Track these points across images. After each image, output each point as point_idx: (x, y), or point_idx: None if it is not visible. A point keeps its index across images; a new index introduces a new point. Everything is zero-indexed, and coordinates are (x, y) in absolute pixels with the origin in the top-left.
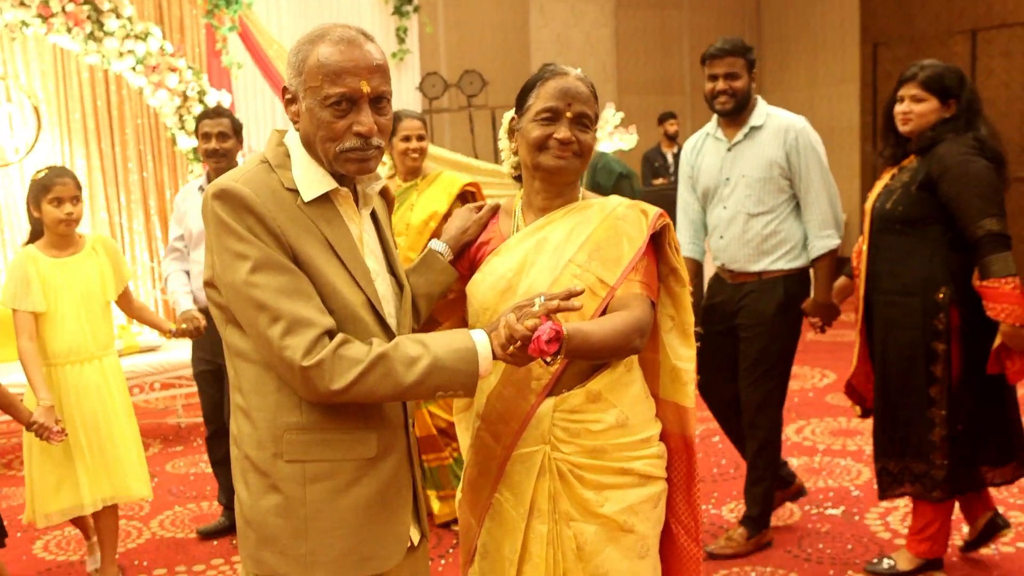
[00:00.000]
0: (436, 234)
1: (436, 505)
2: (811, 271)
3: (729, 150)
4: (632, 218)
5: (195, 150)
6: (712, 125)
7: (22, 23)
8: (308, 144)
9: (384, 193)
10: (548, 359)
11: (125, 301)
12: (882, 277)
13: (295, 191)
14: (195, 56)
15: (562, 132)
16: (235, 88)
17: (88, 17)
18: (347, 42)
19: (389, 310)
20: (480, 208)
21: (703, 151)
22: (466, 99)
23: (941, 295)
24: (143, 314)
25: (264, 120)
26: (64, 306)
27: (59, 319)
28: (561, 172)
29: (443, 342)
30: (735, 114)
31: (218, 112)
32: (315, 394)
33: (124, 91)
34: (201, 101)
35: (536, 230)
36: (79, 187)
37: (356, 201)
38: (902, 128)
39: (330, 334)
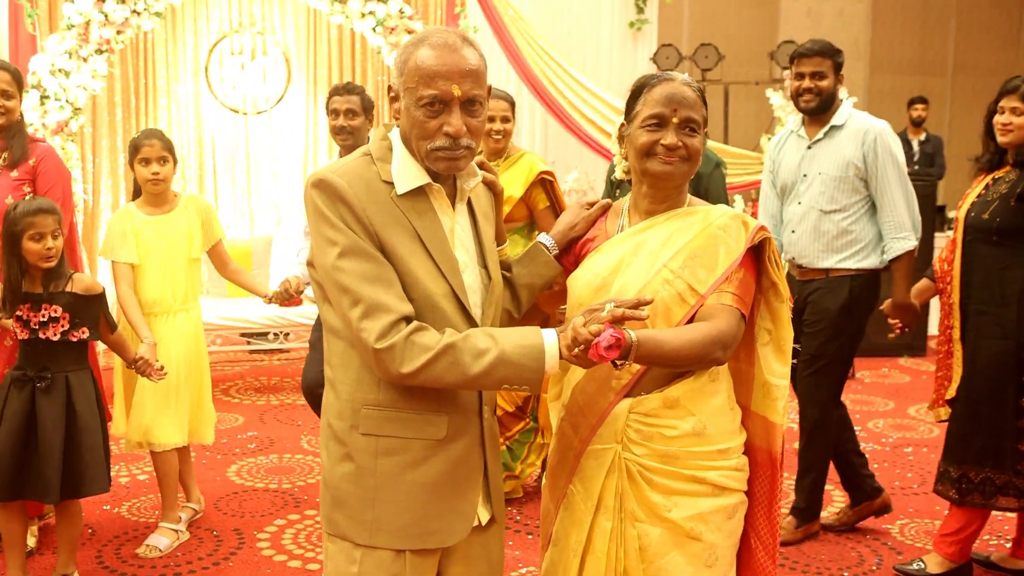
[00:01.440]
0: (510, 218)
1: None
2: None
3: (809, 147)
4: (732, 229)
5: None
6: (797, 122)
7: None
8: (406, 141)
9: (491, 186)
10: (616, 364)
11: (220, 262)
12: (975, 287)
13: (391, 184)
14: (436, 19)
15: (669, 138)
16: None
17: None
18: (444, 47)
19: (475, 300)
20: (592, 205)
21: (785, 147)
22: (700, 73)
23: None
24: (239, 277)
25: (498, 84)
26: (152, 261)
27: (147, 272)
28: (668, 177)
29: (513, 338)
30: (818, 113)
31: (348, 89)
32: (387, 375)
33: (366, 50)
34: None
35: (637, 232)
36: (167, 148)
37: (452, 195)
38: (1001, 139)
39: (407, 320)
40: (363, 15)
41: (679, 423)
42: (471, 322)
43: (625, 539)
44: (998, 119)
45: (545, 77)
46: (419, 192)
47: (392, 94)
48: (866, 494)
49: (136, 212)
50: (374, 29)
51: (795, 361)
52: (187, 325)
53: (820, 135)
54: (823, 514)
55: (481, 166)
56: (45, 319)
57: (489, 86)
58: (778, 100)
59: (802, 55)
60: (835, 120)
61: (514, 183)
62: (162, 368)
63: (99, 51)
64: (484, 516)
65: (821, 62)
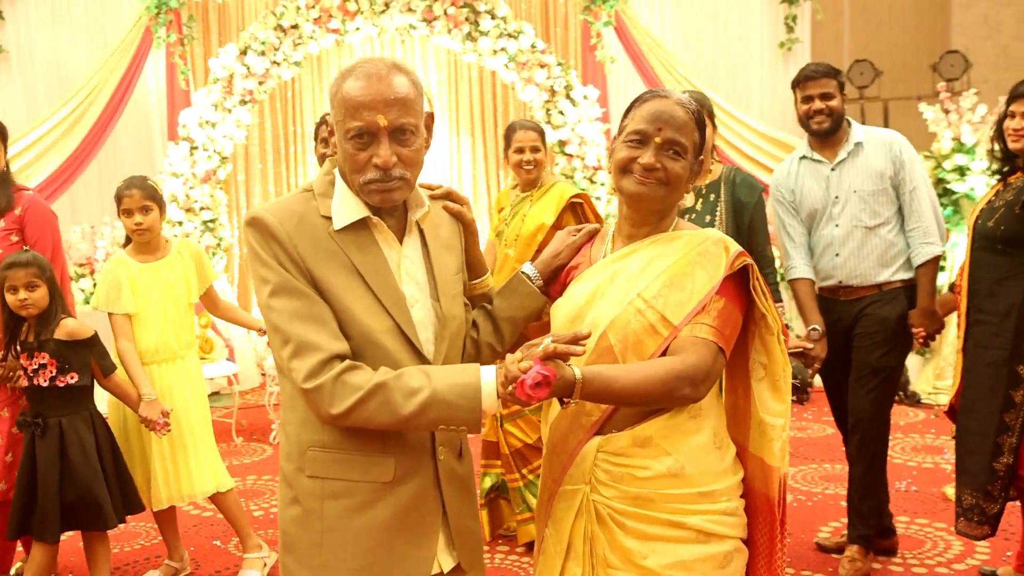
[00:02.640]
0: (544, 246)
1: (514, 526)
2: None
3: (833, 170)
4: (713, 255)
5: (560, 143)
6: (805, 148)
7: (409, 26)
8: (343, 175)
9: (459, 217)
10: (563, 402)
11: (211, 303)
12: (980, 296)
13: (330, 219)
14: (573, 53)
15: (646, 157)
16: (609, 82)
17: (466, 19)
18: (368, 77)
19: (426, 336)
20: (579, 231)
21: (801, 174)
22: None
23: None
24: (231, 313)
25: None
26: (151, 308)
27: (147, 320)
28: (641, 199)
29: (448, 376)
30: (831, 134)
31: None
32: (318, 416)
33: (507, 88)
34: (568, 96)
35: (617, 259)
36: (149, 197)
37: (402, 228)
38: (1013, 145)
39: (340, 358)
40: (495, 52)
41: (652, 463)
42: (421, 358)
43: None
44: (1009, 124)
45: None
46: (360, 227)
47: (328, 129)
48: (881, 531)
49: (129, 261)
50: (506, 65)
51: (804, 383)
52: (192, 370)
53: (843, 155)
54: (823, 533)
55: (448, 196)
56: (36, 366)
57: (429, 113)
58: (931, 114)
59: (808, 78)
60: (855, 137)
61: (545, 211)
62: (167, 424)
63: (243, 102)
64: (447, 564)
65: (827, 82)
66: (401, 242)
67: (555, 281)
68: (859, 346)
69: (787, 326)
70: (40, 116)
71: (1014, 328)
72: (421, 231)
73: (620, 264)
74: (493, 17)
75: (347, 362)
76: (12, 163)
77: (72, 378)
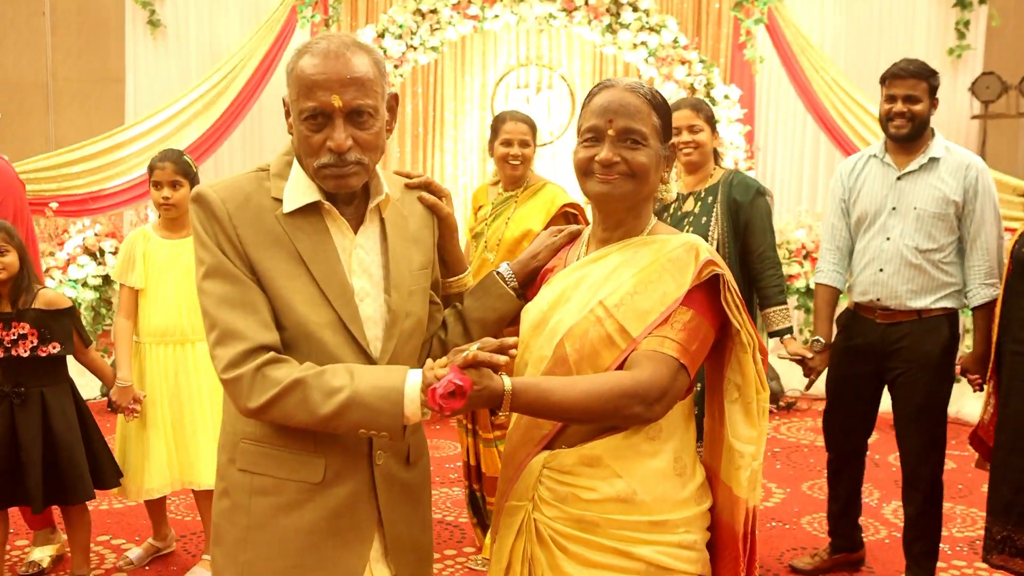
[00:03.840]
0: None
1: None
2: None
3: (900, 179)
4: (682, 263)
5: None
6: (879, 147)
7: (549, 15)
8: (298, 157)
9: (434, 210)
10: (493, 413)
11: None
12: (1014, 325)
13: (281, 201)
14: (723, 51)
15: (603, 152)
16: (757, 82)
17: (607, 10)
18: (324, 54)
19: (374, 333)
20: (561, 231)
21: (866, 173)
22: None
23: None
24: None
25: (785, 117)
26: (164, 286)
27: (158, 298)
28: (608, 198)
29: (372, 377)
30: (909, 140)
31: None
32: (238, 408)
33: (651, 82)
34: (708, 95)
35: (584, 264)
36: (181, 172)
37: (361, 217)
38: None
39: (265, 349)
40: (635, 45)
41: (599, 484)
42: (364, 356)
43: None
44: None
45: (835, 109)
46: (312, 212)
47: (285, 108)
48: (852, 545)
49: (151, 235)
50: (646, 60)
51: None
52: (202, 357)
53: (914, 166)
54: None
55: (427, 186)
56: (15, 337)
57: (393, 94)
58: None
59: (894, 76)
60: (933, 151)
61: (534, 216)
62: (135, 410)
63: None
64: (381, 575)
65: (916, 84)
66: (357, 231)
67: (532, 284)
68: (901, 383)
69: (785, 333)
70: (191, 86)
71: None
72: (384, 222)
73: (587, 269)
74: (635, 10)
75: (270, 354)
76: (164, 127)
77: (54, 348)
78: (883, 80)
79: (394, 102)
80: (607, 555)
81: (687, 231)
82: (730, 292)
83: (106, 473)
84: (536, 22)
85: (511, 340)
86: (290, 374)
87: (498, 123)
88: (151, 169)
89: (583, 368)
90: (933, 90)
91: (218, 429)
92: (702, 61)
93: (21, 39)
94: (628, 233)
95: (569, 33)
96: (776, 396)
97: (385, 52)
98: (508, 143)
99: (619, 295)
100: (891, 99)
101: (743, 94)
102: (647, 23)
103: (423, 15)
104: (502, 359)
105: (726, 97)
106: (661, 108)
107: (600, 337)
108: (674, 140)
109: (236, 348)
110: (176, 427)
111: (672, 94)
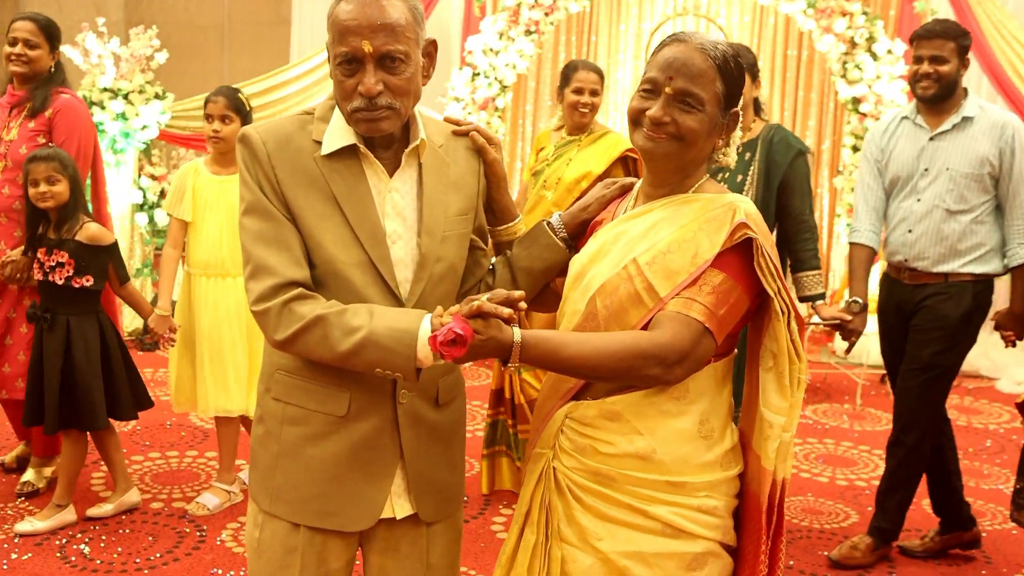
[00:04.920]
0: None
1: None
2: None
3: (932, 139)
4: (719, 222)
5: (853, 99)
6: (911, 109)
7: None
8: (336, 100)
9: (482, 153)
10: (504, 365)
11: None
12: None
13: (320, 144)
14: (888, 1)
15: (655, 109)
16: None
17: None
18: (360, 1)
19: (404, 275)
20: (614, 184)
21: (898, 135)
22: None
23: None
24: None
25: None
26: (210, 220)
27: (203, 232)
28: (651, 155)
29: (388, 319)
30: (937, 101)
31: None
32: (267, 339)
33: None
34: (869, 49)
35: (626, 219)
36: (232, 107)
37: (398, 161)
38: None
39: (294, 285)
40: None
41: (618, 439)
42: (393, 297)
43: (549, 559)
44: None
45: (1011, 66)
46: (349, 155)
47: (328, 53)
48: (959, 523)
49: (202, 169)
50: (804, 11)
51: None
52: (242, 292)
53: (947, 126)
54: (914, 541)
55: (477, 131)
56: (54, 263)
57: (430, 40)
58: None
59: (921, 37)
60: (966, 111)
61: (595, 159)
62: (172, 339)
63: (528, 32)
64: (402, 510)
65: (943, 44)
66: (393, 175)
67: (582, 235)
68: (914, 339)
69: (817, 299)
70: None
71: None
72: (422, 167)
73: (627, 224)
74: None
75: (299, 290)
76: (324, 67)
77: (88, 281)
78: (911, 40)
79: (432, 48)
80: (622, 511)
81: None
82: (764, 257)
83: (122, 405)
84: None
85: (518, 293)
86: (313, 310)
87: (569, 71)
88: (205, 103)
89: (611, 326)
90: (963, 50)
91: (252, 361)
92: (865, 13)
93: None
94: (674, 191)
95: None
96: None
97: (536, 0)
98: (580, 91)
99: (652, 253)
100: (918, 60)
101: (909, 50)
102: None
103: None
104: (506, 311)
105: (889, 52)
106: (730, 74)
107: (629, 294)
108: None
109: (267, 282)
110: (214, 356)
111: (830, 47)
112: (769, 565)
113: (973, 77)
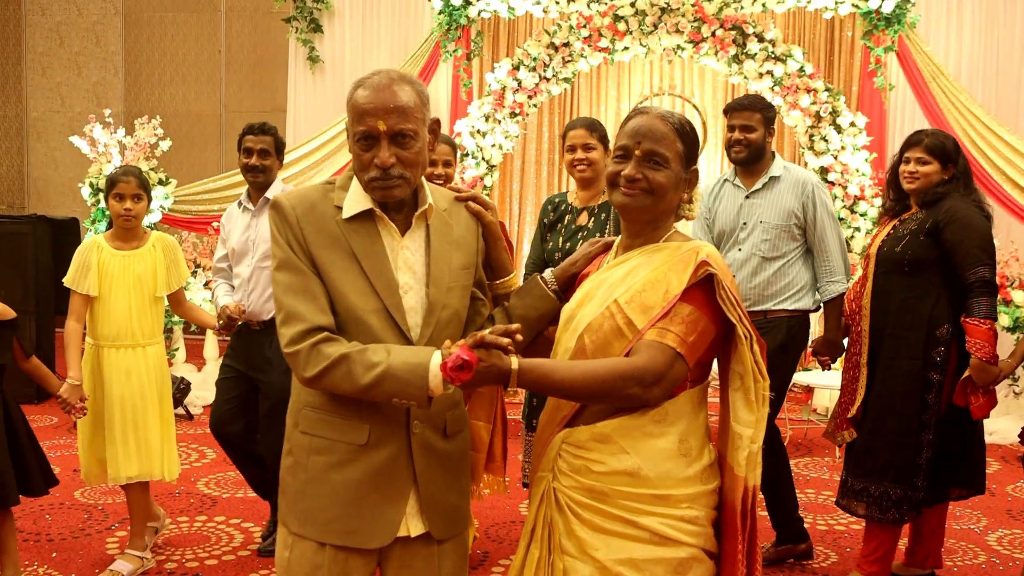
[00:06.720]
0: None
1: None
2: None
3: (748, 197)
4: (685, 263)
5: (821, 169)
6: (731, 172)
7: (677, 47)
8: (355, 172)
9: (478, 216)
10: (505, 389)
11: (176, 301)
12: (892, 314)
13: (342, 208)
14: (851, 77)
15: (628, 169)
16: (890, 110)
17: (734, 41)
18: (374, 87)
19: (415, 320)
20: (598, 243)
21: (721, 195)
22: None
23: (942, 331)
24: (192, 313)
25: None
26: (116, 294)
27: (111, 306)
28: (628, 209)
29: (404, 355)
30: (748, 163)
31: (262, 129)
32: (297, 377)
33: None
34: (833, 123)
35: (609, 267)
36: (142, 187)
37: (409, 223)
38: (907, 187)
39: (321, 330)
40: (760, 75)
41: (608, 459)
42: (405, 339)
43: (553, 571)
44: (904, 168)
45: (967, 136)
46: (367, 219)
47: (347, 134)
48: (792, 536)
49: (104, 245)
50: (772, 89)
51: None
52: (152, 359)
53: (758, 185)
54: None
55: (474, 200)
56: None
57: (434, 119)
58: None
59: (733, 109)
60: (772, 171)
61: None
62: (83, 408)
63: (512, 115)
64: (416, 529)
65: (751, 115)
66: (404, 235)
67: (571, 287)
68: None
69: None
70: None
71: (924, 339)
72: (429, 227)
73: (609, 272)
74: (760, 40)
75: (325, 334)
76: (320, 151)
77: None
78: (725, 112)
79: (435, 125)
80: (615, 523)
81: (580, 244)
82: (724, 290)
83: (33, 480)
84: (664, 54)
85: (514, 326)
86: (339, 350)
87: (564, 132)
88: (113, 182)
89: (597, 356)
90: (769, 120)
91: (166, 425)
92: (827, 89)
93: (201, 75)
94: (647, 241)
95: (695, 64)
96: None
97: (520, 84)
98: (572, 148)
99: (631, 293)
100: (731, 128)
101: (871, 122)
102: (772, 53)
103: (556, 48)
104: (505, 341)
105: (852, 125)
106: (688, 136)
107: (612, 329)
108: (568, 157)
109: (297, 327)
110: (135, 425)
111: (797, 121)
112: (747, 566)
113: None
